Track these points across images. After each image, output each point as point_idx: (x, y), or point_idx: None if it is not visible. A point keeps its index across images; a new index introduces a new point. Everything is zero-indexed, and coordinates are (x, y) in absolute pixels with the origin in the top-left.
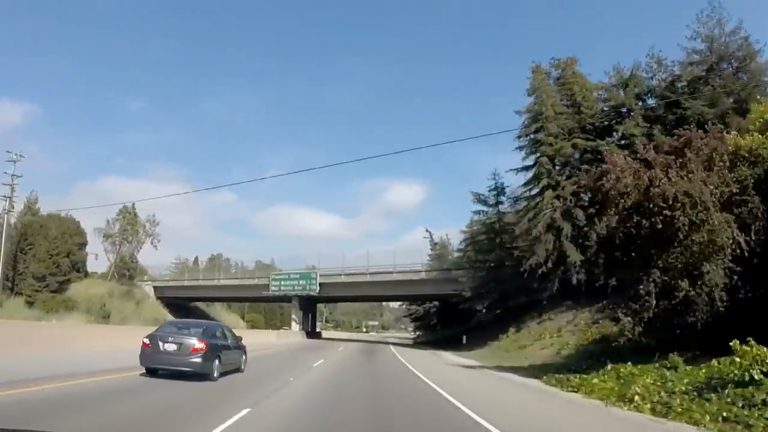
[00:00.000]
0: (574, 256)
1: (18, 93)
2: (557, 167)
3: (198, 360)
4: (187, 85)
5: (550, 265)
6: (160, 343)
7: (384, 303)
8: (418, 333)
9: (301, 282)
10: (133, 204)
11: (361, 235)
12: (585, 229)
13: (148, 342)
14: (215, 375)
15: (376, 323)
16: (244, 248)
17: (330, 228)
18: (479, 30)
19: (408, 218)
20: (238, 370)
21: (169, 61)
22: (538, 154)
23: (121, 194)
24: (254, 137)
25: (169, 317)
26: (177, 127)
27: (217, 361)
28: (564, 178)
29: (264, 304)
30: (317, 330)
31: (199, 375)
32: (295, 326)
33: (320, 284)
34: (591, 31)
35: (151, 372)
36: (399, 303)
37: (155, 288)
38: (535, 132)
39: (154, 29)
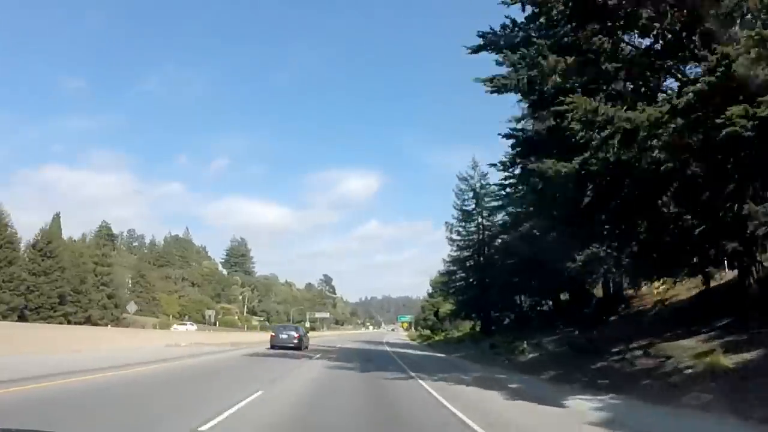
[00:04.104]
0: None
1: None
2: None
3: (297, 341)
4: (125, 63)
5: None
6: (279, 335)
7: (338, 293)
8: (419, 331)
9: None
10: None
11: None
12: None
13: (273, 334)
14: (302, 348)
15: (327, 315)
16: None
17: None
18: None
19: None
20: (308, 347)
21: (105, 36)
22: None
23: (65, 184)
24: (200, 119)
25: None
26: (117, 109)
27: (303, 342)
28: None
29: None
30: None
31: (297, 348)
32: None
33: None
34: None
35: (272, 347)
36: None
37: None
38: None
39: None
